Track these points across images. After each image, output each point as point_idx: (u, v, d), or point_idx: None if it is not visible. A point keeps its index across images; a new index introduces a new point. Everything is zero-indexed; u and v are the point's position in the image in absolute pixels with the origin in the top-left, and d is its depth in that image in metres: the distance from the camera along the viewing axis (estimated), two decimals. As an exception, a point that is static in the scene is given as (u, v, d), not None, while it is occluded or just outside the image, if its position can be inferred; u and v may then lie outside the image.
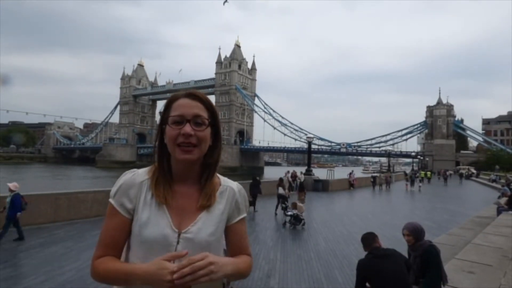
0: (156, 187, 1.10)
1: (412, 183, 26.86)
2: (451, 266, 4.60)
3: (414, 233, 3.36)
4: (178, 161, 1.10)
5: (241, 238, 1.22)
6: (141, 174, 1.15)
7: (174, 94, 1.15)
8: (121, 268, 1.04)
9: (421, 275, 3.23)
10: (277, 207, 12.67)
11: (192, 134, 1.06)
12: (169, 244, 1.05)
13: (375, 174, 30.26)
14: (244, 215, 1.24)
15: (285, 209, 10.97)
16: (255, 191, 13.69)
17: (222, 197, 1.18)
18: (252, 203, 12.83)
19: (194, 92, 1.15)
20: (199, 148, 1.09)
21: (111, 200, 1.12)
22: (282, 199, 12.74)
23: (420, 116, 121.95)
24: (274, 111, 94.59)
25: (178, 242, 1.06)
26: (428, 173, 39.00)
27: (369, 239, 3.27)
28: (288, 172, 21.05)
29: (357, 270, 3.11)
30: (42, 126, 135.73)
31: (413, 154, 73.24)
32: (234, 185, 1.24)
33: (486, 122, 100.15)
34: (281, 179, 15.37)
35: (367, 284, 3.00)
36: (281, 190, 13.78)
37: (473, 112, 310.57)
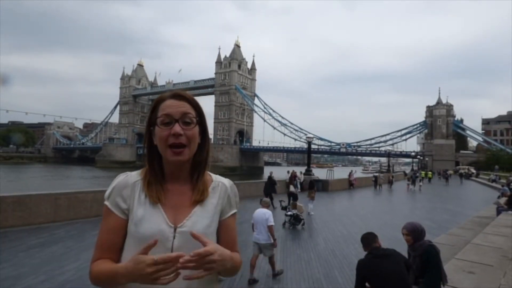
0: (149, 187, 1.13)
1: (413, 183, 27.23)
2: (451, 266, 4.61)
3: (413, 233, 3.36)
4: (169, 162, 1.12)
5: (231, 233, 1.24)
6: (133, 176, 1.17)
7: (160, 96, 1.17)
8: (107, 269, 1.05)
9: (420, 275, 3.23)
10: (289, 203, 13.15)
11: (182, 134, 1.08)
12: (166, 239, 1.07)
13: (376, 174, 30.42)
14: (235, 210, 1.26)
15: (285, 209, 10.97)
16: (270, 191, 13.69)
17: (214, 192, 1.20)
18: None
19: (179, 92, 1.17)
20: (189, 147, 1.11)
21: (105, 202, 1.14)
22: (292, 196, 12.95)
23: (419, 116, 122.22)
24: (274, 111, 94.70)
25: (174, 237, 1.08)
26: (429, 173, 39.97)
27: (369, 239, 3.27)
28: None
29: (357, 270, 3.11)
30: (41, 126, 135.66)
31: (412, 154, 73.10)
32: (226, 181, 1.27)
33: (485, 122, 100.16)
34: (291, 178, 15.59)
35: (367, 284, 3.00)
36: (292, 188, 14.17)
37: (473, 112, 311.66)
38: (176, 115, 1.10)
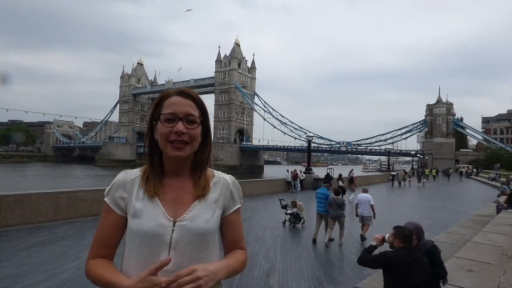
0: (147, 182, 1.13)
1: (419, 179, 31.22)
2: (450, 265, 4.60)
3: (417, 232, 3.34)
4: (170, 157, 1.12)
5: (236, 229, 1.23)
6: (133, 173, 1.18)
7: (165, 91, 1.16)
8: (108, 279, 1.03)
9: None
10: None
11: (184, 132, 1.08)
12: (164, 233, 1.06)
13: (394, 173, 32.64)
14: (239, 205, 1.25)
15: (284, 207, 10.95)
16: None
17: (215, 187, 1.20)
18: None
19: (185, 90, 1.16)
20: (191, 145, 1.11)
21: (105, 198, 1.15)
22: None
23: (419, 114, 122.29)
24: (273, 109, 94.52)
25: (173, 231, 1.06)
26: (433, 171, 42.98)
27: (410, 234, 3.04)
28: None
29: (383, 258, 2.93)
30: (41, 125, 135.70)
31: (412, 152, 73.11)
32: (228, 177, 1.26)
33: (485, 120, 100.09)
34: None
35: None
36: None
37: (473, 111, 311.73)
38: (180, 114, 1.09)
